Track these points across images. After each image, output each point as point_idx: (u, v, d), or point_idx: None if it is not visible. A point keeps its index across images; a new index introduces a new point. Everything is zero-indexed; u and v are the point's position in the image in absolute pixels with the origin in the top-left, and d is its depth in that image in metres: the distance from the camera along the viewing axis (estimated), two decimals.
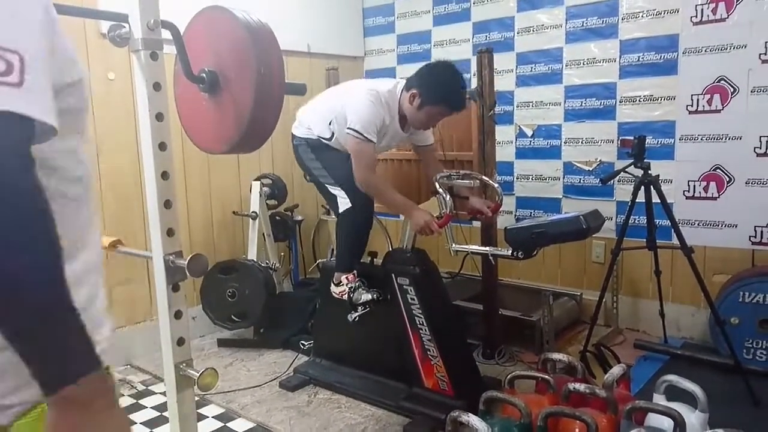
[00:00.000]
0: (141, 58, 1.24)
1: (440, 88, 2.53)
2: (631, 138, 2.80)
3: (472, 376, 2.70)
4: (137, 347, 3.29)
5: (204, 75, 1.66)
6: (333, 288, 2.74)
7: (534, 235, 2.28)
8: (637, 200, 2.83)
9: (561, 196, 3.77)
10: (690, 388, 2.10)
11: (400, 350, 2.70)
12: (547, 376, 2.28)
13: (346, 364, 2.96)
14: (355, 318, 2.64)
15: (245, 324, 3.46)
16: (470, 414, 1.98)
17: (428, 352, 2.60)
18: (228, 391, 2.90)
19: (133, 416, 2.73)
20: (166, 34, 1.29)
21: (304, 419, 2.65)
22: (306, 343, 3.30)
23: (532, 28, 3.76)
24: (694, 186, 3.29)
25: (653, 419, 2.04)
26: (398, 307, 2.63)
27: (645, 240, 2.89)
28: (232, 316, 3.43)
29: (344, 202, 2.63)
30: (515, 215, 3.96)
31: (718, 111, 3.16)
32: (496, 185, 2.70)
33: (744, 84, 3.07)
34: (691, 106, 3.24)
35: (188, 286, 3.31)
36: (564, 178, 3.75)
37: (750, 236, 3.14)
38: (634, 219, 3.03)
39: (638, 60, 3.39)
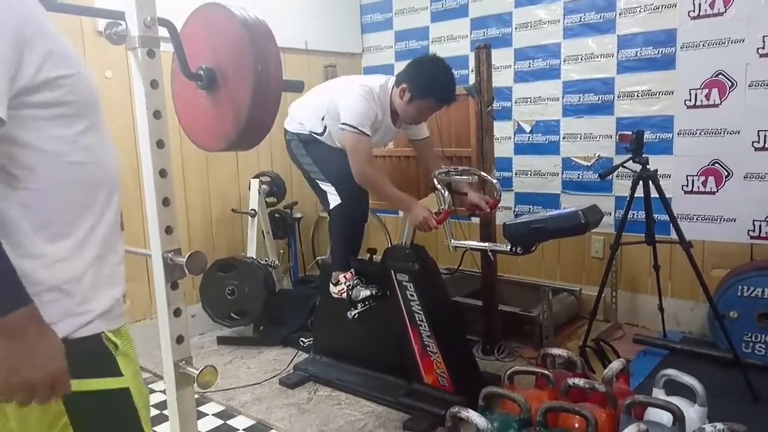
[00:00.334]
0: (138, 55, 1.24)
1: (429, 81, 2.53)
2: (630, 133, 2.80)
3: (472, 371, 2.70)
4: (137, 345, 3.27)
5: (201, 72, 1.65)
6: (332, 288, 2.74)
7: (532, 230, 2.28)
8: (635, 195, 2.83)
9: (560, 192, 3.77)
10: (689, 383, 2.11)
11: (400, 347, 2.70)
12: (546, 372, 2.28)
13: (346, 361, 2.96)
14: (355, 315, 2.64)
15: (245, 321, 3.47)
16: (470, 409, 1.99)
17: (428, 348, 2.60)
18: (228, 389, 2.91)
19: None
20: (163, 32, 1.29)
21: (304, 416, 2.65)
22: (306, 341, 3.30)
23: (529, 24, 3.76)
24: (693, 180, 3.29)
25: (652, 413, 2.04)
26: (397, 303, 2.63)
27: (644, 235, 2.89)
28: (232, 314, 3.43)
29: (334, 198, 2.64)
30: (514, 211, 3.96)
31: (716, 105, 3.16)
32: (494, 181, 2.70)
33: (742, 78, 3.07)
34: (690, 100, 3.24)
35: (188, 284, 3.32)
36: (563, 173, 3.75)
37: (748, 230, 3.15)
38: (633, 214, 3.03)
39: (636, 55, 3.39)
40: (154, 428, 2.60)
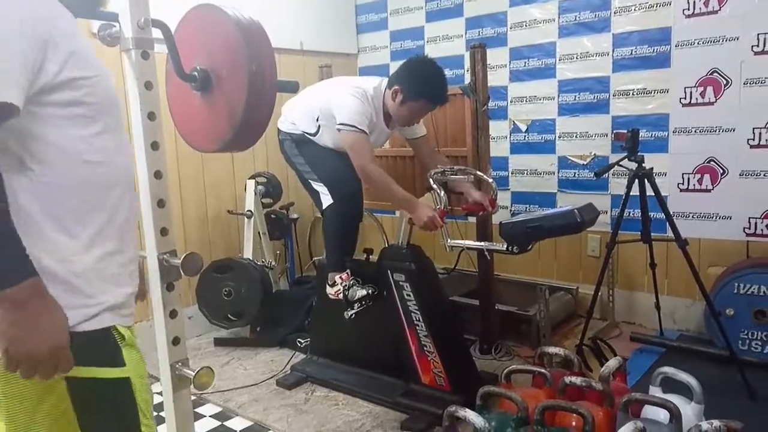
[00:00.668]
0: (132, 57, 1.24)
1: (421, 82, 2.53)
2: (625, 131, 2.80)
3: (469, 371, 2.70)
4: None
5: (196, 73, 1.65)
6: (328, 289, 2.74)
7: (529, 229, 2.28)
8: (631, 193, 2.83)
9: (556, 191, 3.78)
10: (685, 380, 2.11)
11: (397, 347, 2.70)
12: (543, 370, 2.28)
13: (343, 361, 2.96)
14: (352, 315, 2.64)
15: (242, 323, 3.46)
16: (467, 409, 1.99)
17: (425, 348, 2.60)
18: (225, 390, 2.90)
19: None
20: (156, 33, 1.29)
21: (301, 417, 2.65)
22: (303, 341, 3.30)
23: (524, 23, 3.76)
24: (689, 178, 3.29)
25: (649, 411, 2.05)
26: (394, 303, 2.63)
27: (640, 233, 2.90)
28: (229, 315, 3.42)
29: (327, 199, 2.63)
30: (510, 210, 3.97)
31: (711, 103, 3.17)
32: (490, 180, 2.71)
33: (737, 76, 3.07)
34: (685, 98, 3.24)
35: (184, 286, 3.31)
36: (559, 172, 3.76)
37: (744, 228, 3.15)
38: (629, 212, 3.04)
39: (631, 53, 3.40)
40: None
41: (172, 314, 1.29)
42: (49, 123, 1.00)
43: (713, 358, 2.91)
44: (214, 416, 2.72)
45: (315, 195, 2.72)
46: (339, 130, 2.52)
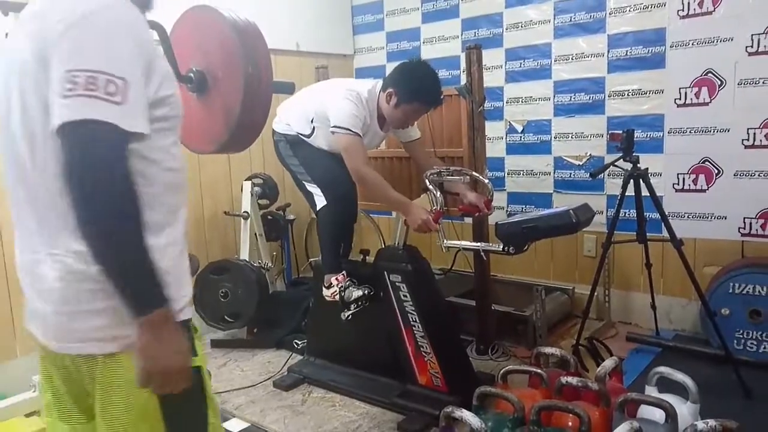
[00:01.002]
0: None
1: (415, 85, 2.54)
2: (620, 132, 2.81)
3: (466, 371, 2.70)
4: None
5: (192, 75, 1.65)
6: (324, 291, 2.74)
7: (524, 230, 2.28)
8: (627, 194, 2.84)
9: (552, 191, 3.79)
10: (681, 380, 2.12)
11: (394, 347, 2.70)
12: (539, 371, 2.29)
13: (340, 362, 2.96)
14: (348, 316, 2.64)
15: (238, 324, 3.46)
16: (464, 409, 1.99)
17: (421, 349, 2.60)
18: (222, 392, 2.90)
19: None
20: (152, 35, 1.29)
21: (298, 418, 2.65)
22: (300, 343, 3.30)
23: (520, 24, 3.77)
24: (684, 179, 3.31)
25: (645, 411, 2.05)
26: (391, 304, 2.63)
27: (635, 233, 2.91)
28: (225, 317, 3.42)
29: (321, 200, 2.64)
30: (507, 211, 3.97)
31: (706, 104, 3.18)
32: (486, 181, 2.71)
33: (731, 77, 3.09)
34: (680, 99, 3.26)
35: None
36: (555, 172, 3.77)
37: (739, 227, 3.17)
38: (625, 212, 3.05)
39: (626, 54, 3.41)
40: None
41: None
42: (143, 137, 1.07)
43: (709, 358, 2.92)
44: None
45: (309, 196, 2.73)
46: (333, 132, 2.53)
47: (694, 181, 3.27)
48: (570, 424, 2.04)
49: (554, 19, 3.63)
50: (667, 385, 2.19)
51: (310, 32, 4.24)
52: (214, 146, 1.97)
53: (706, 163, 3.23)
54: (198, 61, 1.67)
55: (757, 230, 3.12)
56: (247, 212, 3.62)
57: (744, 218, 3.15)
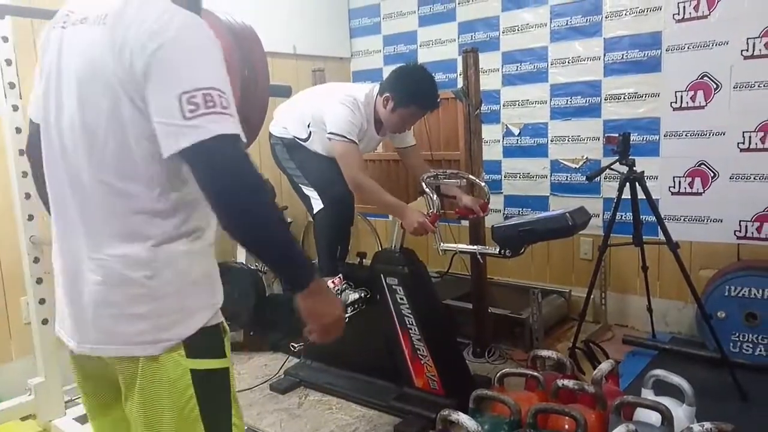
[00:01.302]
0: None
1: (411, 89, 2.55)
2: (616, 135, 2.82)
3: (462, 374, 2.71)
4: None
5: None
6: None
7: (521, 233, 2.29)
8: (623, 197, 2.85)
9: (549, 194, 3.79)
10: (677, 382, 2.12)
11: (390, 350, 2.70)
12: (536, 373, 2.29)
13: (337, 365, 2.96)
14: (345, 319, 2.63)
15: (235, 327, 3.45)
16: (460, 412, 1.99)
17: (418, 352, 2.60)
18: None
19: None
20: None
21: (294, 421, 2.65)
22: (296, 345, 3.28)
23: (517, 28, 3.78)
24: (680, 182, 3.31)
25: (641, 414, 2.06)
26: (387, 307, 2.63)
27: (632, 236, 2.91)
28: None
29: (317, 203, 2.64)
30: (503, 213, 3.98)
31: (701, 107, 3.19)
32: (483, 184, 2.71)
33: (726, 80, 3.10)
34: (675, 102, 3.26)
35: None
36: (551, 176, 3.77)
37: (735, 231, 3.17)
38: (621, 215, 3.05)
39: (622, 58, 3.42)
40: None
41: None
42: None
43: (705, 361, 2.92)
44: None
45: (306, 200, 2.73)
46: (329, 139, 2.54)
47: (690, 185, 3.28)
48: (566, 427, 2.04)
49: (551, 22, 3.64)
50: (663, 387, 2.19)
51: (308, 35, 4.24)
52: None
53: (702, 166, 3.23)
54: None
55: (752, 233, 3.13)
56: None
57: (740, 221, 3.15)
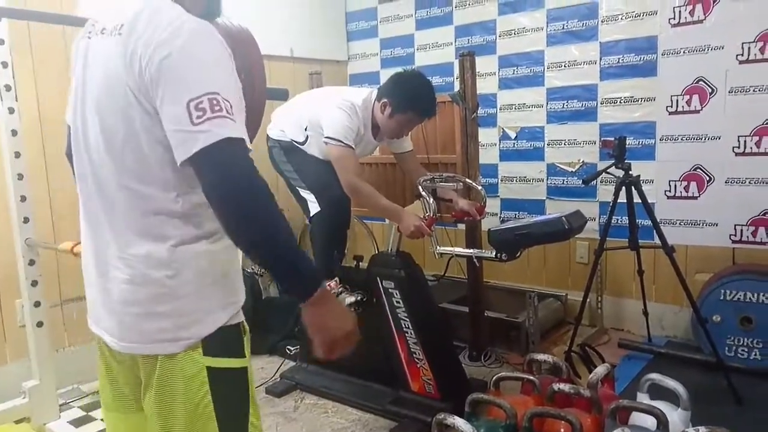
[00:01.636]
0: None
1: (409, 95, 2.56)
2: (612, 139, 2.83)
3: (458, 378, 2.70)
4: None
5: None
6: None
7: (517, 236, 2.29)
8: (619, 201, 2.85)
9: (545, 198, 3.80)
10: (672, 387, 2.12)
11: (386, 354, 2.70)
12: (532, 377, 2.29)
13: (333, 368, 2.95)
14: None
15: None
16: (456, 416, 1.99)
17: (414, 356, 2.60)
18: None
19: None
20: None
21: (290, 425, 2.64)
22: (292, 349, 3.29)
23: (513, 32, 3.79)
24: (675, 186, 3.32)
25: (637, 418, 2.06)
26: (383, 310, 2.63)
27: (627, 240, 2.92)
28: None
29: (314, 206, 2.65)
30: (500, 217, 3.98)
31: (697, 111, 3.20)
32: (479, 187, 2.72)
33: (722, 84, 3.11)
34: (671, 106, 3.27)
35: None
36: (548, 179, 3.78)
37: (730, 235, 3.18)
38: (617, 219, 3.06)
39: (618, 62, 3.43)
40: None
41: None
42: None
43: (700, 365, 2.92)
44: None
45: (303, 203, 2.73)
46: (326, 143, 2.55)
47: (686, 188, 3.29)
48: (562, 430, 2.04)
49: (547, 26, 3.65)
50: (658, 391, 2.19)
51: (305, 38, 4.25)
52: None
53: (698, 170, 3.24)
54: None
55: (748, 237, 3.14)
56: None
57: (735, 225, 3.16)
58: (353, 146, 2.55)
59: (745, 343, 2.92)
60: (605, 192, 3.50)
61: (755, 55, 2.99)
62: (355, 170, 2.55)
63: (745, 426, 2.37)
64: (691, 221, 3.29)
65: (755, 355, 2.90)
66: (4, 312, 2.89)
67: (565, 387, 2.12)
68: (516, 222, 2.58)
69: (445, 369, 2.64)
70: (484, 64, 3.80)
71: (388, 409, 2.65)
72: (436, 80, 4.09)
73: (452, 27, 4.07)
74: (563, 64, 3.62)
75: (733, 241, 3.18)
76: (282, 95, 2.47)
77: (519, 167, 3.88)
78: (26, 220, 2.50)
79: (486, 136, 3.85)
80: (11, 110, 2.44)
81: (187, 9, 1.13)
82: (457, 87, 3.21)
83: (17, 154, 2.47)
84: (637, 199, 2.82)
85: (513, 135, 3.88)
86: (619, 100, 3.45)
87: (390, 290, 2.59)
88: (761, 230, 3.10)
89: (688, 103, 3.22)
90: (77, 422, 2.71)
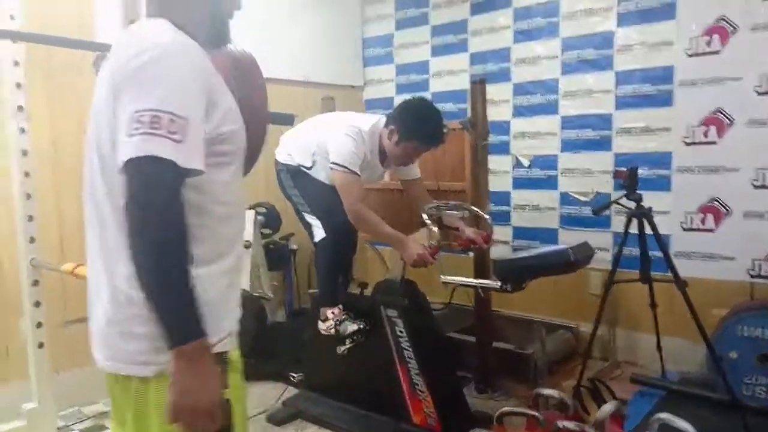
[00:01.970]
0: None
1: (416, 124, 2.55)
2: (624, 169, 2.77)
3: (461, 411, 2.64)
4: None
5: None
6: (320, 325, 2.71)
7: (521, 268, 2.25)
8: (631, 232, 2.79)
9: (558, 227, 3.74)
10: (683, 427, 2.04)
11: (389, 384, 2.64)
12: (536, 413, 2.23)
13: (335, 397, 2.90)
14: (344, 351, 2.60)
15: None
16: None
17: (416, 387, 2.55)
18: None
19: None
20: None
21: None
22: (296, 375, 3.24)
23: (528, 59, 3.78)
24: (691, 218, 3.25)
25: None
26: (386, 339, 2.58)
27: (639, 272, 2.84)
28: None
29: (319, 232, 2.63)
30: (512, 245, 3.92)
31: (714, 143, 3.14)
32: (486, 216, 2.68)
33: (740, 116, 3.05)
34: (688, 137, 3.22)
35: None
36: (561, 208, 3.72)
37: (748, 269, 3.09)
38: (630, 251, 2.99)
39: (634, 91, 3.39)
40: None
41: None
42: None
43: (715, 404, 2.81)
44: None
45: (308, 227, 2.72)
46: (331, 168, 2.54)
47: (702, 221, 3.21)
48: None
49: (562, 54, 3.63)
50: None
51: (321, 63, 4.28)
52: None
53: (715, 202, 3.17)
54: None
55: (766, 272, 3.05)
56: (248, 241, 3.60)
57: (753, 260, 3.07)
58: (359, 173, 2.54)
59: (763, 383, 2.81)
60: (619, 222, 3.42)
61: None
62: (359, 196, 2.54)
63: None
64: (707, 254, 3.21)
65: None
66: (9, 331, 2.89)
67: (570, 425, 2.06)
68: (523, 252, 2.54)
69: (448, 402, 2.58)
70: (498, 91, 3.79)
71: None
72: (449, 107, 4.09)
73: (467, 54, 4.07)
74: (578, 92, 3.59)
75: (752, 276, 3.09)
76: (287, 120, 2.47)
77: (532, 195, 3.83)
78: (32, 239, 2.51)
79: (499, 163, 3.82)
80: (22, 130, 2.47)
81: (191, 35, 1.16)
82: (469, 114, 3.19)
83: (27, 174, 2.49)
84: (649, 231, 2.75)
85: (527, 163, 3.84)
86: (634, 129, 3.40)
87: (393, 318, 2.55)
88: None
89: (705, 134, 3.16)
90: None
